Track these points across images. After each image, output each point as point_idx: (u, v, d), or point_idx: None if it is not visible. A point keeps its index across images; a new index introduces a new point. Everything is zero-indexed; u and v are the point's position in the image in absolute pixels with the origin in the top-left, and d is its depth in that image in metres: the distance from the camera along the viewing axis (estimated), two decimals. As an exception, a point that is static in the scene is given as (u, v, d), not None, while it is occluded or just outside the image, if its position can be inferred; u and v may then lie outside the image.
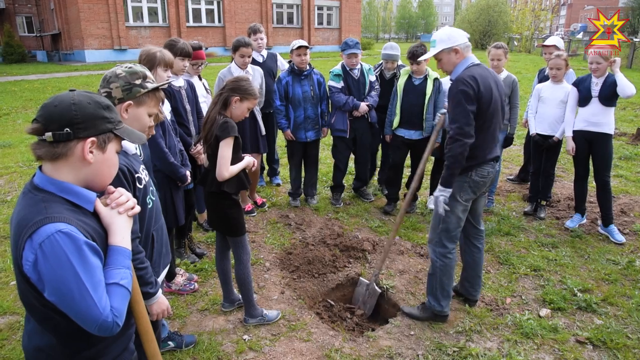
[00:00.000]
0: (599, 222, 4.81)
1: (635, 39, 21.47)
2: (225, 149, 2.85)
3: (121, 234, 1.51)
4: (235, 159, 2.97)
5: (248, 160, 3.06)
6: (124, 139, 1.56)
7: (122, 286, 1.45)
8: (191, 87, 3.99)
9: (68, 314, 1.36)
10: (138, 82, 1.98)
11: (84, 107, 1.43)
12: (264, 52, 5.64)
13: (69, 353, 1.51)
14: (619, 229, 4.84)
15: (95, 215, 1.50)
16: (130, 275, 1.50)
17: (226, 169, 2.85)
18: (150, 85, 2.01)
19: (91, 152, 1.44)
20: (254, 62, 5.31)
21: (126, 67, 2.02)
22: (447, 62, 3.13)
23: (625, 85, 4.24)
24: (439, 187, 3.07)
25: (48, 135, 1.38)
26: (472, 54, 3.13)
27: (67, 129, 1.39)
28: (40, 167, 1.47)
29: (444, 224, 3.18)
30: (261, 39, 5.50)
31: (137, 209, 1.60)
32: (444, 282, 3.25)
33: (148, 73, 2.06)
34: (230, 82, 3.01)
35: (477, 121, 2.98)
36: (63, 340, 1.48)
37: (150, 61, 3.09)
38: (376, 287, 3.68)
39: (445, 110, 3.37)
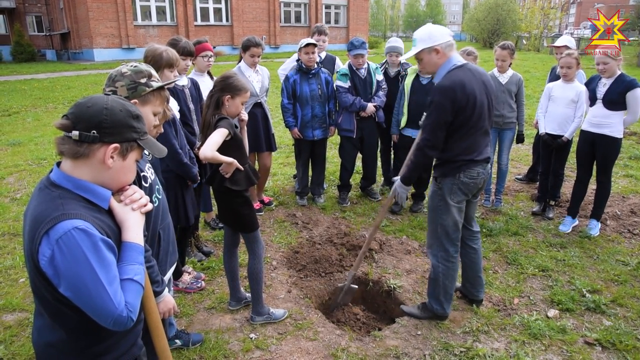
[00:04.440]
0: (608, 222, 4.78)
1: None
2: (217, 134, 2.78)
3: (134, 231, 1.54)
4: (239, 156, 2.96)
5: (233, 161, 2.93)
6: (145, 150, 1.59)
7: (136, 282, 1.48)
8: (195, 86, 3.99)
9: (83, 309, 1.38)
10: (143, 80, 1.99)
11: (115, 114, 1.46)
12: (323, 54, 5.65)
13: (80, 348, 1.53)
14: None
15: (110, 212, 1.53)
16: (143, 271, 1.53)
17: (210, 149, 2.73)
18: (155, 84, 2.03)
19: (112, 157, 1.47)
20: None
21: (131, 65, 2.03)
22: (427, 63, 3.02)
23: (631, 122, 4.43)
24: (400, 182, 3.23)
25: (75, 133, 1.41)
26: (456, 53, 3.03)
27: (94, 132, 1.42)
28: (57, 164, 1.50)
29: (442, 227, 3.14)
30: (324, 41, 5.53)
31: (150, 206, 1.63)
32: (447, 285, 3.23)
33: (153, 72, 2.07)
34: (217, 82, 2.98)
35: (463, 126, 2.94)
36: (74, 335, 1.50)
37: (156, 62, 3.10)
38: (352, 286, 3.68)
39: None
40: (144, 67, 2.05)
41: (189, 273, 3.84)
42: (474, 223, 3.43)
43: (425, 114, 3.40)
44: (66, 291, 1.35)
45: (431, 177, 3.29)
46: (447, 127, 2.93)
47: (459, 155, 3.01)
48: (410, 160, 3.13)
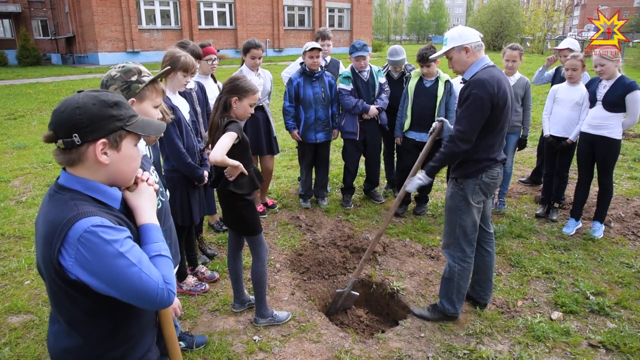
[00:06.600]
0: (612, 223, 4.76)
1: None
2: (226, 137, 2.80)
3: (148, 213, 1.54)
4: (245, 159, 2.97)
5: (240, 165, 2.96)
6: (138, 133, 1.50)
7: (165, 256, 1.47)
8: (201, 89, 4.04)
9: (124, 298, 1.36)
10: (134, 78, 2.02)
11: (88, 110, 1.39)
12: (328, 58, 5.69)
13: (96, 354, 1.51)
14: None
15: (122, 212, 1.51)
16: (167, 247, 1.52)
17: (220, 153, 2.75)
18: (147, 79, 2.05)
19: (105, 153, 1.41)
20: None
21: (119, 67, 2.06)
22: (457, 61, 3.09)
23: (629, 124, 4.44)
24: (422, 173, 3.18)
25: (59, 142, 1.38)
26: (485, 54, 3.09)
27: (75, 135, 1.37)
28: (64, 168, 1.49)
29: (461, 228, 3.15)
30: (328, 45, 5.57)
31: (155, 186, 1.65)
32: (461, 285, 3.24)
33: (142, 68, 2.10)
34: (225, 84, 2.99)
35: (492, 124, 2.96)
36: (90, 341, 1.49)
37: (172, 64, 3.18)
38: (353, 292, 3.67)
39: (442, 118, 3.35)
40: (132, 65, 2.08)
41: (203, 273, 3.90)
42: (490, 223, 3.44)
43: (436, 121, 3.37)
44: (101, 285, 1.32)
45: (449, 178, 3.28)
46: (483, 121, 2.92)
47: (482, 153, 3.02)
48: (440, 152, 3.09)
